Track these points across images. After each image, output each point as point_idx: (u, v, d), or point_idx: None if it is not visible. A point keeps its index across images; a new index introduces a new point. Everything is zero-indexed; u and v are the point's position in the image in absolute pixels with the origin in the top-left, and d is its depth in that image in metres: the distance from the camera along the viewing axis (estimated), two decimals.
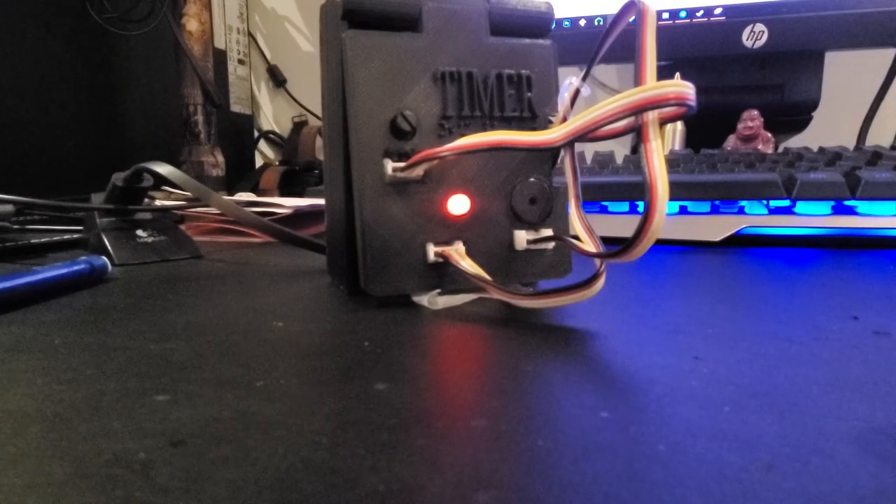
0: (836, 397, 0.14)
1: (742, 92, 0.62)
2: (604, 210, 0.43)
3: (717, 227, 0.40)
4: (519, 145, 0.21)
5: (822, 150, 0.48)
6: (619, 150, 0.59)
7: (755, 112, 0.55)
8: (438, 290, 0.24)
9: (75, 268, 0.27)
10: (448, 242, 0.24)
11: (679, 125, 0.60)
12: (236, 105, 0.90)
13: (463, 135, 0.23)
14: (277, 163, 0.89)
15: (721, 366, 0.16)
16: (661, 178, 0.16)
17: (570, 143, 0.20)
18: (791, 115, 0.63)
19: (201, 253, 0.38)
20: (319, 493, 0.10)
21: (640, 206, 0.42)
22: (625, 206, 0.43)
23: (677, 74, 0.55)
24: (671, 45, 0.60)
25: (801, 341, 0.19)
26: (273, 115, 1.01)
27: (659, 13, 0.60)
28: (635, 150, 0.64)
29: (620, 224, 0.42)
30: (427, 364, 0.17)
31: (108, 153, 0.70)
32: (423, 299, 0.23)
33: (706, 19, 0.59)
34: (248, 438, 0.12)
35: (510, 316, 0.22)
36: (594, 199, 0.43)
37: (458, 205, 0.24)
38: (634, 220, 0.18)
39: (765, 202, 0.40)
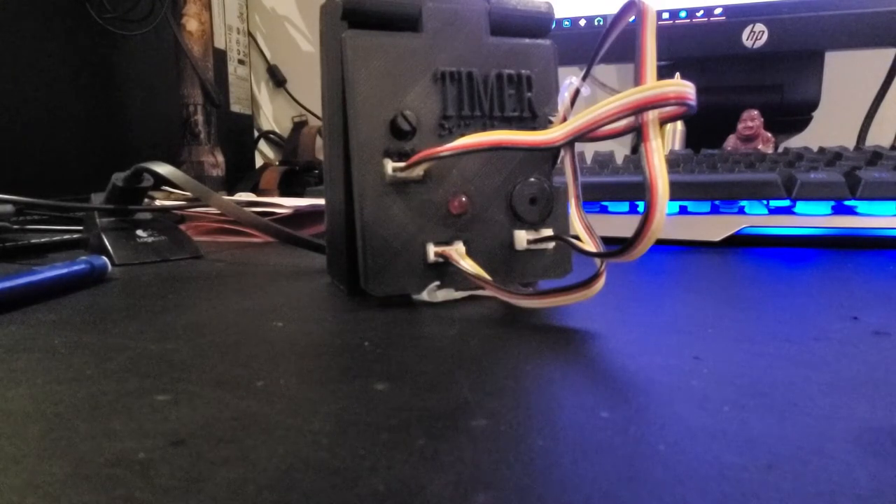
0: (836, 397, 0.14)
1: (742, 92, 0.62)
2: (604, 210, 0.43)
3: (717, 227, 0.40)
4: (519, 145, 0.21)
5: (822, 150, 0.48)
6: (619, 150, 0.59)
7: (755, 112, 0.55)
8: (438, 283, 0.24)
9: (75, 268, 0.27)
10: (448, 242, 0.24)
11: (679, 125, 0.60)
12: (236, 105, 0.89)
13: (463, 135, 0.23)
14: (277, 163, 0.89)
15: (721, 366, 0.16)
16: (661, 178, 0.16)
17: (570, 143, 0.20)
18: (791, 115, 0.63)
19: (201, 253, 0.38)
20: (319, 493, 0.10)
21: (640, 205, 0.42)
22: (625, 206, 0.43)
23: (677, 74, 0.55)
24: (671, 45, 0.60)
25: (801, 341, 0.19)
26: (273, 115, 1.01)
27: (659, 13, 0.60)
28: (635, 150, 0.64)
29: (620, 224, 0.42)
30: (427, 364, 0.17)
31: (108, 153, 0.70)
32: (423, 293, 0.23)
33: (706, 19, 0.59)
34: (248, 438, 0.12)
35: (510, 316, 0.22)
36: (594, 199, 0.43)
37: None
38: (634, 220, 0.18)
39: (765, 202, 0.40)
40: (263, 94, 1.01)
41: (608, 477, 0.11)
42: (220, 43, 0.83)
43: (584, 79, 0.22)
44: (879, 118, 0.64)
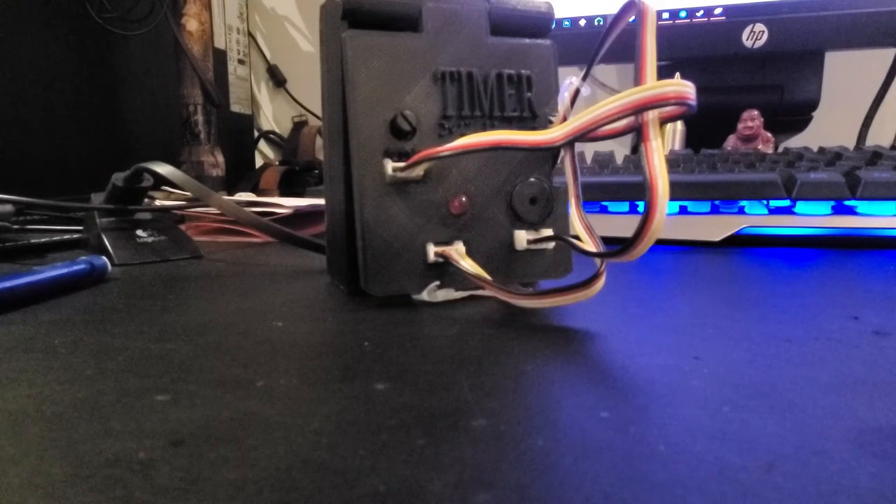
0: (836, 397, 0.14)
1: (742, 92, 0.62)
2: (604, 210, 0.43)
3: (717, 227, 0.40)
4: (519, 145, 0.21)
5: (822, 150, 0.48)
6: (619, 150, 0.59)
7: (755, 112, 0.55)
8: (437, 283, 0.24)
9: (75, 268, 0.27)
10: (448, 242, 0.24)
11: (679, 125, 0.60)
12: (236, 105, 0.89)
13: (463, 135, 0.23)
14: (277, 163, 0.89)
15: (721, 366, 0.16)
16: (661, 178, 0.16)
17: (570, 143, 0.20)
18: (791, 115, 0.63)
19: (201, 253, 0.38)
20: (319, 493, 0.10)
21: (641, 205, 0.42)
22: (625, 206, 0.43)
23: (677, 74, 0.55)
24: (671, 45, 0.60)
25: (801, 341, 0.19)
26: (273, 115, 1.01)
27: (659, 13, 0.60)
28: (635, 149, 0.64)
29: (620, 224, 0.42)
30: (427, 364, 0.17)
31: (108, 153, 0.70)
32: (423, 293, 0.23)
33: (706, 19, 0.59)
34: (248, 438, 0.12)
35: (510, 316, 0.22)
36: (594, 199, 0.43)
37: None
38: (634, 220, 0.18)
39: (765, 202, 0.40)
40: (263, 94, 1.01)
41: (608, 477, 0.11)
42: (220, 43, 0.83)
43: (584, 79, 0.22)
44: (879, 118, 0.64)
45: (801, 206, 0.39)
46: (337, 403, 0.14)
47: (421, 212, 0.24)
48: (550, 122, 0.25)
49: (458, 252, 0.23)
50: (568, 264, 0.26)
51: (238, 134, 0.91)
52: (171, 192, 0.52)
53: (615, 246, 0.18)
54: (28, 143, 0.60)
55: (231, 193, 0.63)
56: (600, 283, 0.20)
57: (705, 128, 0.57)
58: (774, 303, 0.24)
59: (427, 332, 0.20)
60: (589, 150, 0.54)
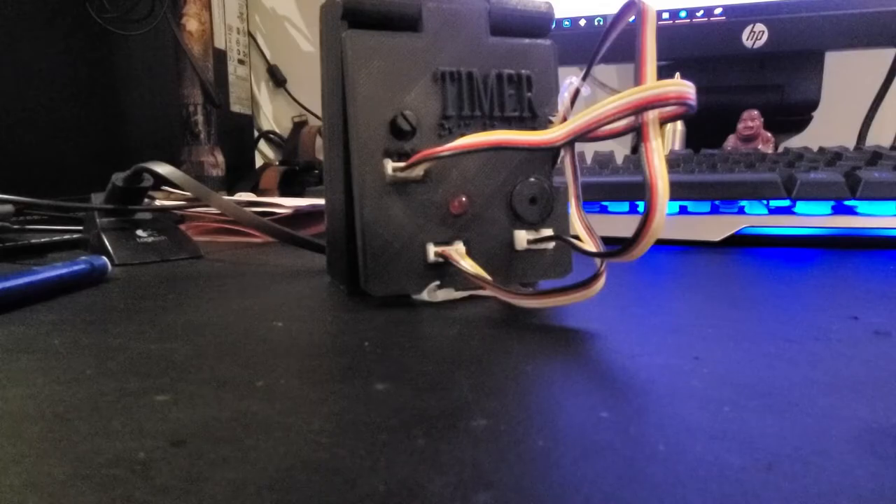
0: (836, 397, 0.14)
1: (742, 92, 0.62)
2: (604, 210, 0.43)
3: (717, 227, 0.40)
4: (519, 145, 0.21)
5: (822, 150, 0.48)
6: (619, 150, 0.59)
7: (755, 112, 0.55)
8: (437, 283, 0.24)
9: (75, 268, 0.27)
10: (448, 242, 0.24)
11: (679, 125, 0.60)
12: (236, 105, 0.89)
13: (463, 135, 0.23)
14: (277, 163, 0.89)
15: (721, 366, 0.16)
16: (661, 178, 0.16)
17: (570, 143, 0.20)
18: (791, 115, 0.63)
19: (201, 253, 0.38)
20: (319, 493, 0.10)
21: (641, 205, 0.42)
22: (625, 206, 0.43)
23: (677, 74, 0.55)
24: (671, 45, 0.60)
25: (801, 341, 0.19)
26: (273, 115, 1.01)
27: (659, 13, 0.60)
28: (635, 149, 0.64)
29: (620, 224, 0.42)
30: (427, 364, 0.17)
31: (108, 153, 0.70)
32: (423, 293, 0.23)
33: (706, 19, 0.59)
34: (248, 438, 0.12)
35: (510, 316, 0.22)
36: (594, 199, 0.43)
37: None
38: (634, 220, 0.18)
39: (765, 202, 0.40)
40: (263, 94, 1.01)
41: (608, 477, 0.11)
42: (220, 43, 0.83)
43: (584, 79, 0.22)
44: (879, 118, 0.64)
45: (801, 206, 0.39)
46: (337, 403, 0.14)
47: (421, 212, 0.24)
48: (550, 122, 0.25)
49: (458, 252, 0.23)
50: (568, 264, 0.26)
51: (238, 134, 0.91)
52: (171, 192, 0.52)
53: (615, 246, 0.18)
54: (28, 143, 0.60)
55: (231, 193, 0.63)
56: (600, 283, 0.20)
57: (705, 128, 0.57)
58: (774, 303, 0.24)
59: (427, 332, 0.20)
60: (589, 150, 0.54)
